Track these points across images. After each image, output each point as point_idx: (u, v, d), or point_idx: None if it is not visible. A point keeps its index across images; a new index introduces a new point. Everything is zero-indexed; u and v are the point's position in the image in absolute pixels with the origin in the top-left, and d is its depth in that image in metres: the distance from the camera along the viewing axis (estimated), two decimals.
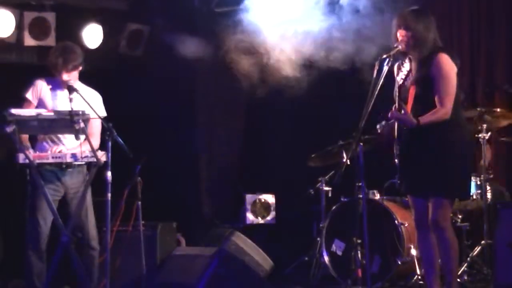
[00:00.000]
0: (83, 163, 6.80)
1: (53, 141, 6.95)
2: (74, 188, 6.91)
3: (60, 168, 6.83)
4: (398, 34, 5.96)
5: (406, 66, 5.98)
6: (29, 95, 6.91)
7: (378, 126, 6.16)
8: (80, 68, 6.96)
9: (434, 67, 5.84)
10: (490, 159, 8.11)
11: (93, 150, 6.67)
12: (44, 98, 6.94)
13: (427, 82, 5.86)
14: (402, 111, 5.82)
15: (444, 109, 5.79)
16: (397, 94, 5.89)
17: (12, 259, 7.82)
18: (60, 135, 6.92)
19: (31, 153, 6.63)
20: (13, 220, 7.72)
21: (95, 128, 6.93)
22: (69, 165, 6.81)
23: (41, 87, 6.97)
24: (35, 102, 6.85)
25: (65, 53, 6.87)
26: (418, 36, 5.89)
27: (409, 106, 5.90)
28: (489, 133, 7.59)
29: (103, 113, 7.06)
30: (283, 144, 9.23)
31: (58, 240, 6.69)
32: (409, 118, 5.79)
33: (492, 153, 8.24)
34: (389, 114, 5.86)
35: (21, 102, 6.86)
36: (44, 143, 6.95)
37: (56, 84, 7.00)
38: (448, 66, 5.86)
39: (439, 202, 5.84)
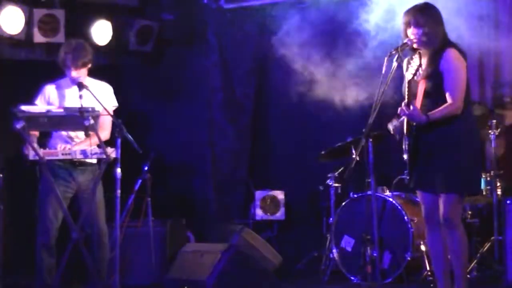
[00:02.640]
0: (95, 161, 6.83)
1: (65, 139, 6.98)
2: (86, 184, 6.94)
3: (73, 165, 6.87)
4: (409, 32, 5.94)
5: (416, 61, 5.96)
6: (38, 102, 6.95)
7: (390, 127, 6.15)
8: (89, 65, 6.99)
9: (443, 62, 5.83)
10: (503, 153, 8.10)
11: (103, 147, 6.69)
12: (53, 101, 6.97)
13: (436, 77, 5.84)
14: (411, 107, 5.80)
15: (455, 104, 5.76)
16: (406, 89, 5.87)
17: (22, 255, 7.84)
18: (72, 133, 6.95)
19: (42, 150, 6.67)
20: (24, 217, 7.75)
21: (106, 122, 6.95)
22: (81, 162, 6.84)
23: (49, 92, 7.01)
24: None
25: (75, 50, 6.90)
26: (429, 32, 5.88)
27: (418, 101, 5.88)
28: (499, 129, 7.57)
29: (115, 104, 7.10)
30: (292, 140, 9.23)
31: (68, 236, 6.73)
32: (418, 114, 5.77)
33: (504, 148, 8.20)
34: (399, 111, 5.85)
35: (31, 99, 6.90)
36: (57, 140, 6.98)
37: (65, 83, 7.03)
38: (458, 60, 5.84)
39: (450, 198, 5.82)
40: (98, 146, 6.68)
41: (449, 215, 5.82)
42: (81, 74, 6.94)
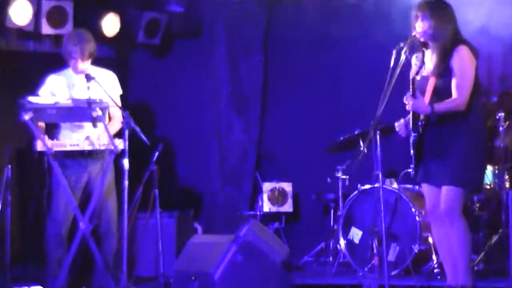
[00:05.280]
0: (103, 150, 6.85)
1: (73, 129, 7.01)
2: (97, 173, 6.97)
3: (83, 155, 6.90)
4: (417, 25, 5.96)
5: (419, 58, 5.98)
6: (41, 92, 6.97)
7: (396, 125, 6.15)
8: (94, 55, 7.03)
9: (453, 59, 5.84)
10: None
11: (111, 138, 6.71)
12: (59, 91, 6.98)
13: (447, 74, 5.86)
14: (416, 98, 5.82)
15: (459, 100, 5.80)
16: (411, 87, 5.89)
17: (30, 246, 7.87)
18: (80, 123, 6.97)
19: (50, 141, 6.69)
20: (31, 208, 7.77)
21: (117, 113, 6.97)
22: (92, 152, 6.88)
23: (54, 82, 7.04)
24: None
25: (81, 42, 6.95)
26: (436, 26, 5.89)
27: (427, 97, 5.89)
28: (507, 122, 7.55)
29: (120, 91, 7.13)
30: (300, 132, 9.23)
31: (77, 227, 6.76)
32: (423, 104, 5.80)
33: None
34: (404, 99, 5.87)
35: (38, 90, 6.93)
36: (65, 131, 7.01)
37: (70, 73, 7.05)
38: (468, 58, 5.85)
39: (450, 191, 5.84)
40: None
41: (448, 207, 5.85)
42: (87, 65, 6.98)
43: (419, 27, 5.95)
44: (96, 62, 7.24)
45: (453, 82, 5.83)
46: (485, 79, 8.05)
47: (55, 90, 7.01)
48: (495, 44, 8.09)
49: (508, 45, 8.12)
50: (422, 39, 5.97)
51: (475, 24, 7.54)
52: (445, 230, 5.98)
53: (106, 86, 6.82)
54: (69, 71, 7.10)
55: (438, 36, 5.91)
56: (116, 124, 6.96)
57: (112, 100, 6.75)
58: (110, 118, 7.11)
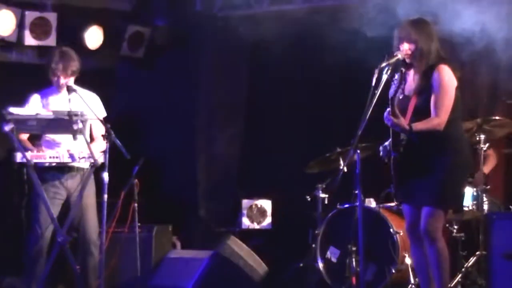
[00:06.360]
0: (86, 166, 6.81)
1: (51, 143, 6.97)
2: (76, 190, 6.93)
3: (61, 170, 6.86)
4: (401, 47, 5.94)
5: (398, 77, 5.96)
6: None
7: (381, 153, 6.14)
8: (77, 74, 7.00)
9: (433, 78, 5.84)
10: (493, 167, 8.12)
11: (91, 151, 6.68)
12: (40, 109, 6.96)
13: (427, 93, 5.85)
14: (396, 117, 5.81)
15: (438, 120, 5.78)
16: (390, 107, 5.87)
17: (6, 257, 7.82)
18: (60, 137, 6.94)
19: (29, 153, 6.66)
20: (10, 218, 7.74)
21: (100, 131, 6.94)
22: (70, 168, 6.84)
23: (35, 101, 7.01)
24: None
25: (65, 60, 6.91)
26: (422, 47, 5.88)
27: (408, 117, 5.89)
28: (487, 144, 7.57)
29: (103, 114, 7.10)
30: (281, 150, 9.24)
31: (55, 241, 6.73)
32: (401, 123, 5.78)
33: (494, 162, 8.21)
34: (384, 118, 5.85)
35: (20, 101, 6.90)
36: (45, 144, 6.98)
37: (51, 91, 7.04)
38: (448, 77, 5.84)
39: (430, 212, 5.84)
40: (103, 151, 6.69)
41: (427, 228, 5.84)
42: (69, 83, 6.96)
43: (404, 49, 5.94)
44: (80, 74, 7.20)
45: (432, 101, 5.82)
46: (469, 100, 8.11)
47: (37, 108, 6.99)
48: (481, 64, 8.14)
49: (493, 66, 8.17)
50: (406, 60, 5.96)
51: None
52: (424, 251, 5.98)
53: (87, 101, 6.79)
54: (50, 89, 7.07)
55: (421, 56, 5.91)
56: (100, 144, 6.90)
57: (93, 112, 6.72)
58: (92, 139, 7.06)
